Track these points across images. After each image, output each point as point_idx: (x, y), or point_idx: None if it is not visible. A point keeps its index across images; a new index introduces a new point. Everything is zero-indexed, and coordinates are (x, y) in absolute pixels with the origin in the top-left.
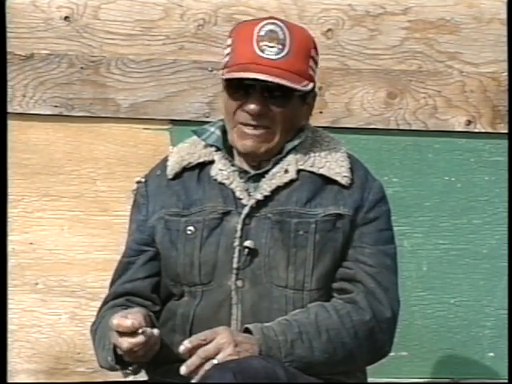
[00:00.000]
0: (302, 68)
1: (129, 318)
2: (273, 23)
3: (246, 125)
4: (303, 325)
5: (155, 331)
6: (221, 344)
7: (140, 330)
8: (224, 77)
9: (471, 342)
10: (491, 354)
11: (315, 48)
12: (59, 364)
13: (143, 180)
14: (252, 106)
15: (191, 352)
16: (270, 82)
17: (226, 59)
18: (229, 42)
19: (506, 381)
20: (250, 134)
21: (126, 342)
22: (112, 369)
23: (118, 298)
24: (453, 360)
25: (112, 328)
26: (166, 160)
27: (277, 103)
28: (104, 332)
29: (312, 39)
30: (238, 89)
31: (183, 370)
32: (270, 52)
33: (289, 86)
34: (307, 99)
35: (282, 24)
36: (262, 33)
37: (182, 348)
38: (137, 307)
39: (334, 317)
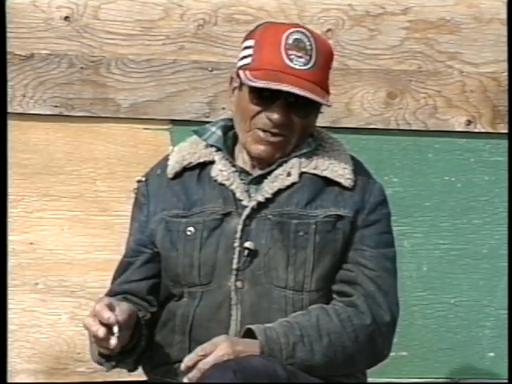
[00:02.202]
0: (325, 80)
1: (115, 311)
2: (300, 31)
3: (264, 131)
4: (305, 328)
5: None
6: (220, 356)
7: (115, 330)
8: (255, 84)
9: (471, 342)
10: (491, 354)
11: (333, 59)
12: (59, 364)
13: (144, 179)
14: (277, 116)
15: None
16: (302, 96)
17: (247, 61)
18: (248, 43)
19: (506, 381)
20: (266, 140)
21: (99, 329)
22: (100, 362)
23: (116, 296)
24: (453, 360)
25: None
26: (166, 159)
27: (299, 114)
28: None
29: (332, 50)
30: (261, 94)
31: (185, 381)
32: (298, 62)
33: (318, 101)
34: (320, 108)
35: (308, 33)
36: (290, 41)
37: (182, 366)
38: (128, 304)
39: (335, 320)
